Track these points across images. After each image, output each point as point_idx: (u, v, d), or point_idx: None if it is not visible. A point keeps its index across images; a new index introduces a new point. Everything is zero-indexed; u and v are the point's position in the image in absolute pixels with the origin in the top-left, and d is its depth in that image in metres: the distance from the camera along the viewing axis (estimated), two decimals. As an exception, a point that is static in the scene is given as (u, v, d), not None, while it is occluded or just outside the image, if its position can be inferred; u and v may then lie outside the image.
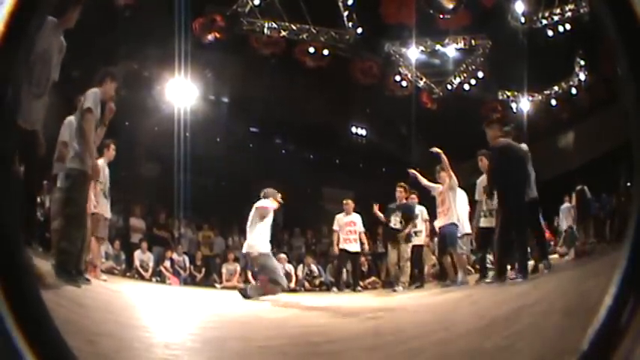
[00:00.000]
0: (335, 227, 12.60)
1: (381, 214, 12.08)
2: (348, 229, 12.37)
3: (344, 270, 12.96)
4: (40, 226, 8.60)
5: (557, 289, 6.95)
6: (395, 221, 11.75)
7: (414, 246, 11.83)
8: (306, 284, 13.93)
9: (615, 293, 1.42)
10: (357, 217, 12.41)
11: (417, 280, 11.82)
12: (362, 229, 12.46)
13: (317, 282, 14.04)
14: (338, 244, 12.53)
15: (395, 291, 11.38)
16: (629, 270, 1.43)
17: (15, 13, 1.38)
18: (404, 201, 11.96)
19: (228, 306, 8.98)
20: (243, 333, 5.43)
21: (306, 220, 16.57)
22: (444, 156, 10.83)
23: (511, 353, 3.41)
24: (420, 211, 12.08)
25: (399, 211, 11.81)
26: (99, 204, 8.90)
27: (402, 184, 12.00)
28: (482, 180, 10.28)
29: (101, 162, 8.79)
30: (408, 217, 11.75)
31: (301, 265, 14.22)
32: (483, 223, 10.29)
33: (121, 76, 8.48)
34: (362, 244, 12.53)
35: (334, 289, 12.68)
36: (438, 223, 11.17)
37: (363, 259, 13.48)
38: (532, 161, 9.38)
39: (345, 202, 12.61)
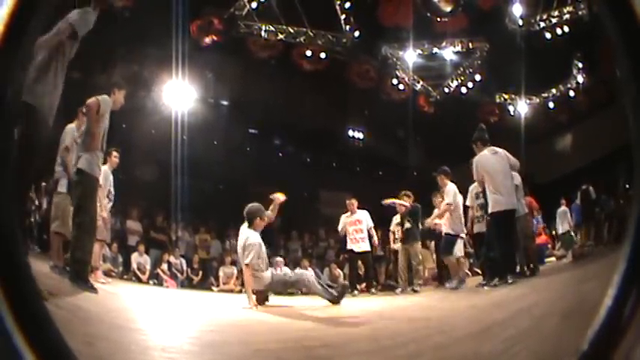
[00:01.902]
0: (339, 229, 12.36)
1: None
2: (354, 229, 12.08)
3: (356, 271, 12.67)
4: (39, 228, 8.65)
5: (556, 291, 6.97)
6: (408, 226, 11.81)
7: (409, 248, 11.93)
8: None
9: (615, 294, 1.43)
10: (362, 215, 12.13)
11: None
12: (371, 224, 12.16)
13: (314, 285, 14.00)
14: (345, 245, 12.33)
15: (396, 293, 11.42)
16: (629, 271, 1.43)
17: (15, 13, 1.38)
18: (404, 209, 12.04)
19: (226, 309, 8.97)
20: (240, 336, 5.43)
21: (303, 224, 16.55)
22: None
23: (509, 356, 3.41)
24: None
25: (409, 216, 11.84)
26: (104, 209, 8.99)
27: (400, 201, 12.04)
28: (473, 187, 10.41)
29: (105, 169, 8.95)
30: (417, 218, 11.81)
31: (298, 268, 14.17)
32: (477, 228, 10.42)
33: (128, 84, 8.52)
34: (371, 237, 12.14)
35: (355, 292, 12.36)
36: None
37: (360, 262, 13.40)
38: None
39: (348, 201, 12.26)
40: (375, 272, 13.21)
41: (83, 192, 7.17)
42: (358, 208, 12.21)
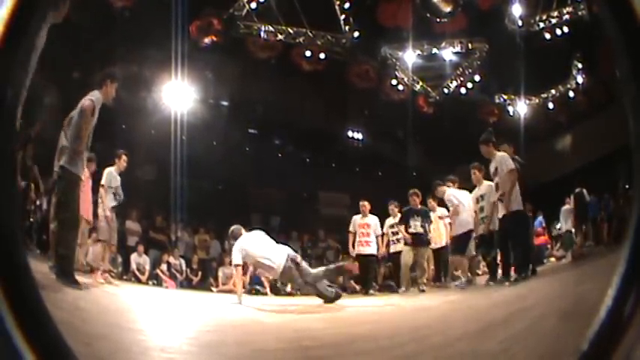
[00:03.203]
0: (350, 229, 12.34)
1: (407, 235, 12.03)
2: (361, 232, 12.13)
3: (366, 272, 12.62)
4: (38, 229, 8.67)
5: (554, 292, 6.97)
6: (415, 225, 11.74)
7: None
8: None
9: (615, 294, 1.43)
10: (372, 219, 12.20)
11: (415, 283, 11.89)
12: (379, 231, 12.26)
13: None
14: (354, 247, 12.28)
15: (399, 293, 11.38)
16: (629, 271, 1.43)
17: (15, 13, 1.38)
18: (418, 206, 11.97)
19: (225, 310, 8.96)
20: (239, 337, 5.43)
21: (302, 224, 16.53)
22: None
23: (508, 357, 3.41)
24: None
25: (417, 215, 11.80)
26: (106, 209, 9.07)
27: (416, 190, 12.01)
28: (476, 191, 10.50)
29: (112, 170, 9.07)
30: (428, 220, 11.88)
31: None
32: (481, 230, 10.45)
33: (120, 75, 8.58)
34: (378, 247, 12.25)
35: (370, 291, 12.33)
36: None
37: (362, 265, 13.40)
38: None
39: (361, 203, 12.32)
40: (375, 274, 13.10)
41: (65, 189, 7.26)
42: (370, 212, 12.26)
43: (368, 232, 12.14)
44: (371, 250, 12.13)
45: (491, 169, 9.93)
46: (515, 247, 9.56)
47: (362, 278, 12.35)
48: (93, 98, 7.50)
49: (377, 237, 12.23)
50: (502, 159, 9.71)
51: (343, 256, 13.95)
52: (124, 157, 9.47)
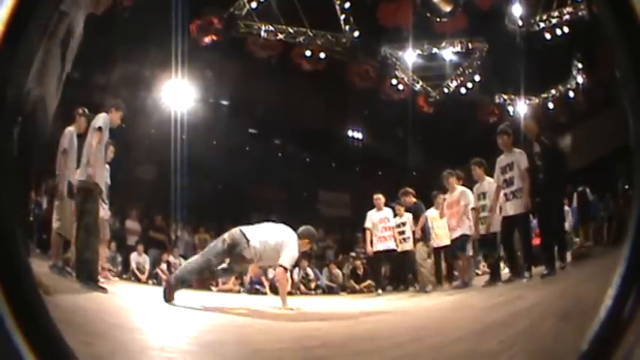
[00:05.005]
0: (367, 225, 12.08)
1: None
2: (382, 226, 11.92)
3: (382, 270, 12.51)
4: (38, 229, 8.70)
5: (554, 292, 6.97)
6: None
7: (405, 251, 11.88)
8: (302, 287, 13.85)
9: (615, 294, 1.43)
10: (389, 212, 11.99)
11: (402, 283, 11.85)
12: (394, 222, 12.04)
13: (312, 285, 13.95)
14: (372, 244, 12.02)
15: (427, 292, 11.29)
16: (629, 271, 1.43)
17: (15, 13, 1.38)
18: (413, 201, 11.81)
19: (225, 309, 8.96)
20: (238, 336, 5.42)
21: (302, 224, 16.52)
22: None
23: (507, 357, 3.41)
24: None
25: (411, 213, 11.67)
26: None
27: (406, 189, 11.89)
28: (477, 188, 10.45)
29: None
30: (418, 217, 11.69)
31: (297, 269, 14.09)
32: (482, 230, 10.41)
33: (124, 105, 8.87)
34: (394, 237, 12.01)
35: (379, 290, 12.17)
36: (454, 234, 11.15)
37: (358, 262, 13.33)
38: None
39: (375, 197, 12.04)
40: (398, 270, 12.87)
41: (86, 198, 7.51)
42: (385, 205, 12.08)
43: (390, 225, 11.95)
44: (392, 244, 11.95)
45: (504, 162, 9.86)
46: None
47: (373, 276, 12.31)
48: (106, 119, 7.86)
49: (393, 229, 12.01)
50: (521, 156, 9.68)
51: (343, 256, 13.95)
52: (111, 148, 9.47)
